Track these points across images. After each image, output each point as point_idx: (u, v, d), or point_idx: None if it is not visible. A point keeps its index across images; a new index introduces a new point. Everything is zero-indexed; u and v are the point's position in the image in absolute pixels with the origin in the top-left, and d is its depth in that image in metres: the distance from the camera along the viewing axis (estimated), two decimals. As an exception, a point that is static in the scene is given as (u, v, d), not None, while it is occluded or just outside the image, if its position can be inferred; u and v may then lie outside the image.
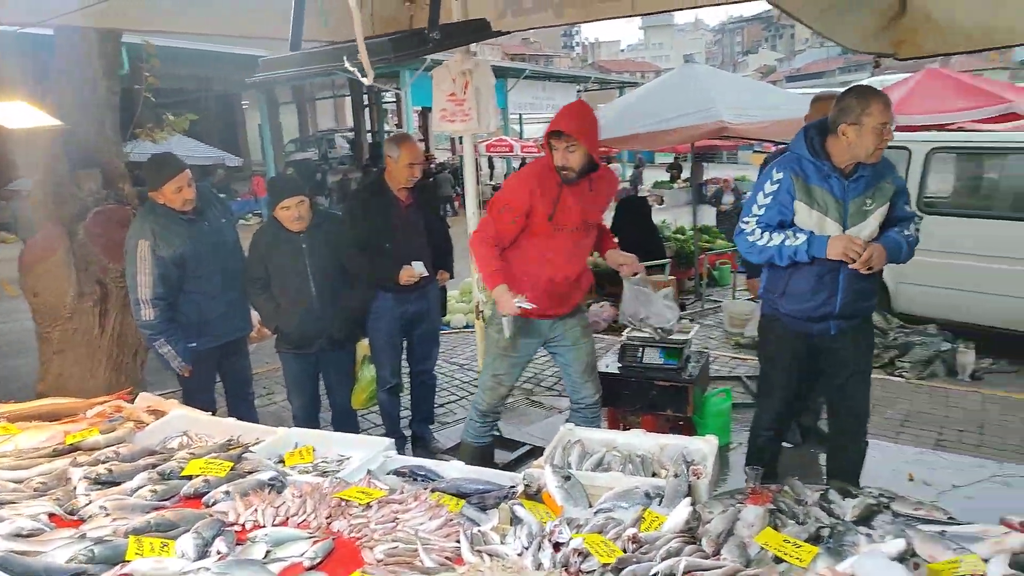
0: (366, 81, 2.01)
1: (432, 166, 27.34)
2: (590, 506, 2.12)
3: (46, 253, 3.90)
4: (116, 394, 3.13)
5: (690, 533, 1.87)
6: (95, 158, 4.04)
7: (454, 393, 5.73)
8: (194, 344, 3.63)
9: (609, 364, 4.11)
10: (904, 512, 2.03)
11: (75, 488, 2.15)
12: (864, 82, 6.62)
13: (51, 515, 1.98)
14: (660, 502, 2.10)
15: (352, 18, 1.99)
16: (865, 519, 1.99)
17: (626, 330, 4.20)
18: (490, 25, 2.61)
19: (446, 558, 1.79)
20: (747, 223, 3.09)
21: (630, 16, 3.96)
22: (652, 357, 3.90)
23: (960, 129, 7.95)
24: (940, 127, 8.09)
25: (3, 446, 2.47)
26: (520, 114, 29.28)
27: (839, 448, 3.36)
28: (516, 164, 26.09)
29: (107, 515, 1.96)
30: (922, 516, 1.98)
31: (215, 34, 3.23)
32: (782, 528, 1.93)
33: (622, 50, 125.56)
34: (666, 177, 24.34)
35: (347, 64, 2.04)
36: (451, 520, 1.99)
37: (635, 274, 3.51)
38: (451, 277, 4.36)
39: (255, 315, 4.09)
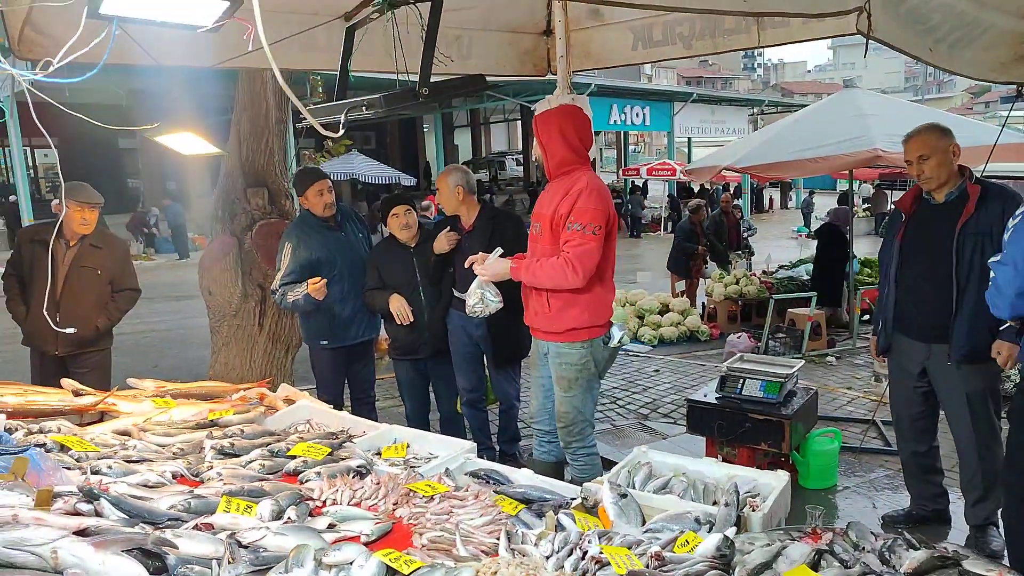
0: (330, 135, 2.28)
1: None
2: (642, 525, 2.19)
3: (220, 258, 4.57)
4: (258, 382, 3.62)
5: (723, 560, 1.89)
6: (263, 178, 4.68)
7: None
8: (326, 342, 4.09)
9: (707, 393, 4.08)
10: (975, 572, 1.90)
11: (205, 456, 2.57)
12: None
13: (180, 476, 2.39)
14: (711, 529, 2.13)
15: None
16: (924, 573, 1.89)
17: (728, 361, 4.14)
18: (485, 79, 2.79)
19: (483, 551, 1.96)
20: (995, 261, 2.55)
21: (756, 48, 3.97)
22: (751, 389, 3.80)
23: None
24: None
25: (160, 416, 2.98)
26: (689, 138, 28.77)
27: None
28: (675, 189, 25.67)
29: (220, 479, 2.34)
30: (993, 578, 1.85)
31: (376, 72, 3.62)
32: (825, 569, 1.89)
33: (808, 71, 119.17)
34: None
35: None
36: (499, 519, 2.15)
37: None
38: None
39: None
